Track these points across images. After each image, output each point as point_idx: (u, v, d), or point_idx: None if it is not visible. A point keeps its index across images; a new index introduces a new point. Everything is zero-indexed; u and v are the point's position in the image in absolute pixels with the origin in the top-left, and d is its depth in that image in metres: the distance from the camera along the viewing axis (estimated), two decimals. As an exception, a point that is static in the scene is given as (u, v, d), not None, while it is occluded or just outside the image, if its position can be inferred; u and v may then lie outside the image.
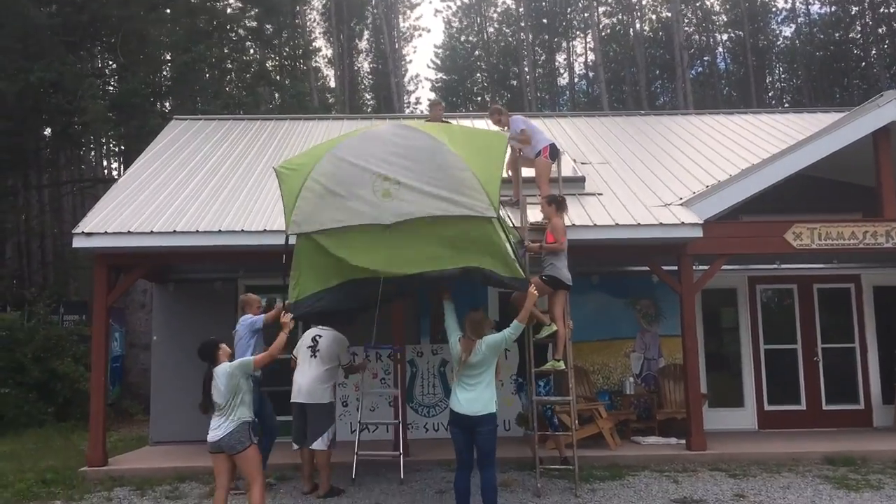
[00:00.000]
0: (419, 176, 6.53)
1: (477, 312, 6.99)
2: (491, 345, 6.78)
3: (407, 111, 42.00)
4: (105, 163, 35.17)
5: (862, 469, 9.11)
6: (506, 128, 9.72)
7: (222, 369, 6.49)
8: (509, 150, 8.55)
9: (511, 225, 8.16)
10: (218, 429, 6.47)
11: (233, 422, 6.44)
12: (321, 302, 6.87)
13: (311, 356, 8.38)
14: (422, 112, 36.45)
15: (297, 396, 8.36)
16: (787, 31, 44.91)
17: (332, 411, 8.44)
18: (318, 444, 8.20)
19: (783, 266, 12.13)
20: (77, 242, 9.70)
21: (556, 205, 8.68)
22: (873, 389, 12.15)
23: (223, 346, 6.71)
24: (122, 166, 28.07)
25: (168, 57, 25.60)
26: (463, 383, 6.77)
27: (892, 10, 36.87)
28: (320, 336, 8.46)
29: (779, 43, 44.75)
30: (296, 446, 8.45)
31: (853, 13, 40.31)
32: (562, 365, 8.36)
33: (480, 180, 6.54)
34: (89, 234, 9.64)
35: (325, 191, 6.66)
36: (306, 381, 8.31)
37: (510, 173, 9.69)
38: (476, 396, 6.69)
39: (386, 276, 6.64)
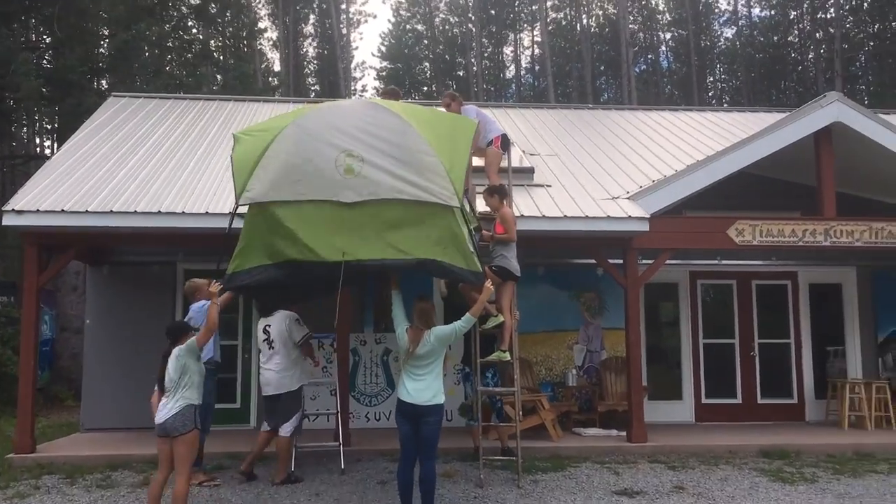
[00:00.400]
0: (384, 155, 6.35)
1: (425, 302, 6.87)
2: (440, 336, 6.66)
3: (354, 98, 41.52)
4: (38, 140, 34.02)
5: (796, 462, 9.31)
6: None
7: (172, 354, 6.34)
8: None
9: (472, 212, 8.05)
10: (163, 409, 6.29)
11: (178, 403, 6.26)
12: (263, 274, 6.50)
13: (269, 348, 8.26)
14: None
15: (266, 390, 8.31)
16: (729, 32, 45.97)
17: (298, 397, 8.29)
18: (283, 431, 8.13)
19: (724, 262, 12.30)
20: (7, 220, 9.25)
21: (499, 195, 8.58)
22: (807, 384, 12.46)
23: (192, 334, 6.50)
24: (56, 144, 27.10)
25: (107, 33, 24.75)
26: (411, 374, 6.63)
27: (829, 16, 37.94)
28: (269, 325, 8.31)
29: (720, 44, 45.72)
30: (267, 427, 8.34)
31: (792, 17, 41.40)
32: (507, 356, 8.30)
33: (446, 167, 6.39)
34: (20, 212, 9.21)
35: (285, 162, 6.40)
36: (271, 374, 8.22)
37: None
38: (425, 386, 6.57)
39: (342, 261, 6.22)
